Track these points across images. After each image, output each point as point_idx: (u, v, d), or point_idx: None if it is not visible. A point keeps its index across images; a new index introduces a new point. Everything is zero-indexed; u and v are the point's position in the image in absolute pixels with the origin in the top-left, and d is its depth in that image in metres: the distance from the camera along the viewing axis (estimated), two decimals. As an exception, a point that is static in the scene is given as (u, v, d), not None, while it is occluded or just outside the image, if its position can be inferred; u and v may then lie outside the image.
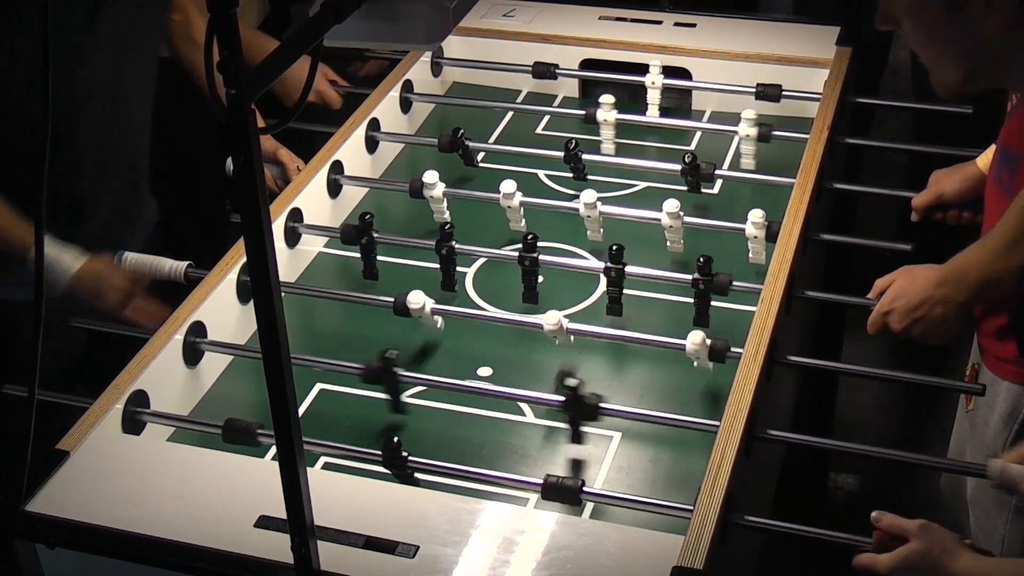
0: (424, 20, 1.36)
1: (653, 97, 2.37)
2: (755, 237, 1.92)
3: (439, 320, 1.82)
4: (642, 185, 2.24)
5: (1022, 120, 1.73)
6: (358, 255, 1.98)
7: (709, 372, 1.73)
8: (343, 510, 1.43)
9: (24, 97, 1.82)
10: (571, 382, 1.60)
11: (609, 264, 1.86)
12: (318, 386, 1.79)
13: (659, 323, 1.85)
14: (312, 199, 2.07)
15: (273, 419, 1.19)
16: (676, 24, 2.58)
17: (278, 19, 2.73)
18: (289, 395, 1.18)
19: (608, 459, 1.65)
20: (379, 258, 2.01)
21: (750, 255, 1.95)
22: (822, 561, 1.93)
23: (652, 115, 2.37)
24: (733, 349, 1.69)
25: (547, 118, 2.47)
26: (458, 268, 2.01)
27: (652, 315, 1.90)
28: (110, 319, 1.87)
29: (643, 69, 2.39)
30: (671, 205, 1.94)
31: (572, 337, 1.78)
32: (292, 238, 2.02)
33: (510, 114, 2.46)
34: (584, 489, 1.49)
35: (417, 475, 1.56)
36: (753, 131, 2.18)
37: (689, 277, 1.82)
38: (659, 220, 1.96)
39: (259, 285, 1.13)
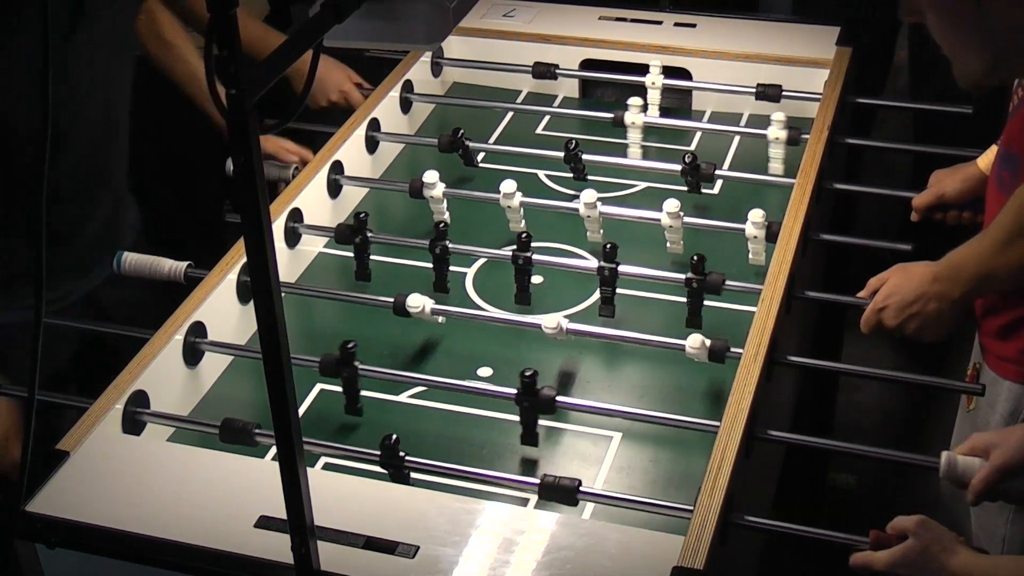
0: (424, 20, 1.37)
1: (653, 97, 2.37)
2: (755, 237, 1.92)
3: (440, 317, 1.82)
4: (642, 185, 2.24)
5: (1023, 121, 1.73)
6: (358, 255, 1.98)
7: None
8: (343, 510, 1.43)
9: (13, 106, 1.82)
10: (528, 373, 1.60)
11: (603, 263, 1.86)
12: (318, 386, 1.79)
13: (659, 323, 1.85)
14: (312, 199, 2.07)
15: (273, 419, 1.19)
16: (676, 24, 2.58)
17: (278, 19, 2.73)
18: (289, 395, 1.18)
19: (608, 459, 1.65)
20: (377, 258, 2.02)
21: (750, 256, 1.95)
22: (822, 561, 1.93)
23: (652, 115, 2.37)
24: (733, 349, 1.69)
25: (547, 118, 2.47)
26: (458, 268, 2.01)
27: (652, 315, 1.90)
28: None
29: (643, 69, 2.39)
30: (671, 205, 1.94)
31: (572, 337, 1.78)
32: (292, 238, 2.02)
33: (510, 114, 2.46)
34: (582, 489, 1.48)
35: (417, 475, 1.55)
36: (783, 134, 2.18)
37: (683, 276, 1.82)
38: (659, 220, 1.96)
39: (259, 285, 1.13)
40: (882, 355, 3.03)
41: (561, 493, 1.49)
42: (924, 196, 2.05)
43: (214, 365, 1.81)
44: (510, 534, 1.41)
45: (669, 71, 2.40)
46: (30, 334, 1.21)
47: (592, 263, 1.89)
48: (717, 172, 2.14)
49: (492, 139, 2.39)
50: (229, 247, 1.90)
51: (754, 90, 2.35)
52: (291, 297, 1.91)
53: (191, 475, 1.51)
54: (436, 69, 2.55)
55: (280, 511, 1.25)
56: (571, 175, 2.19)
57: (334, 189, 2.14)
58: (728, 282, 1.83)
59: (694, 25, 2.57)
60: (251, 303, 1.27)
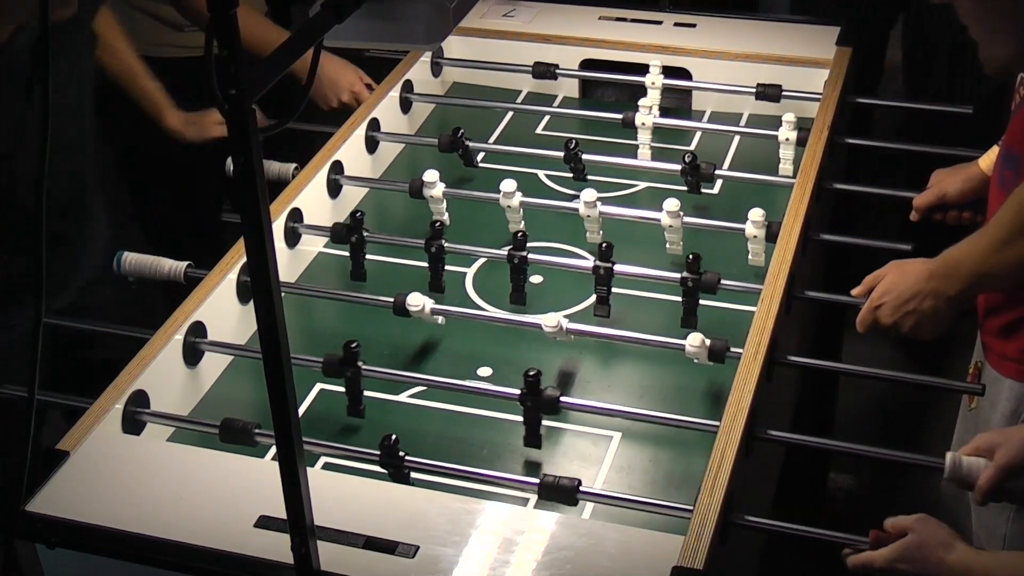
0: (424, 20, 1.37)
1: (653, 97, 2.37)
2: (755, 237, 1.92)
3: (440, 318, 1.82)
4: (642, 185, 2.24)
5: None
6: (358, 255, 1.98)
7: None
8: (343, 510, 1.43)
9: None
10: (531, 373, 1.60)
11: (598, 262, 1.86)
12: (318, 386, 1.79)
13: (659, 323, 1.85)
14: (312, 199, 2.07)
15: (273, 419, 1.19)
16: (676, 24, 2.58)
17: (277, 18, 2.74)
18: (289, 395, 1.18)
19: (608, 459, 1.65)
20: (376, 258, 2.02)
21: (750, 256, 1.95)
22: (822, 561, 1.93)
23: (652, 115, 2.37)
24: (733, 349, 1.69)
25: (547, 118, 2.47)
26: (458, 268, 2.01)
27: (652, 315, 1.89)
28: None
29: (643, 69, 2.39)
30: (671, 204, 1.94)
31: (572, 337, 1.78)
32: (292, 238, 2.02)
33: (510, 114, 2.46)
34: (582, 489, 1.48)
35: (417, 475, 1.55)
36: (793, 135, 2.17)
37: (678, 276, 1.82)
38: (659, 220, 1.96)
39: (259, 285, 1.13)
40: (882, 355, 3.03)
41: (561, 493, 1.49)
42: (925, 196, 2.04)
43: (214, 365, 1.81)
44: (510, 534, 1.41)
45: (669, 71, 2.40)
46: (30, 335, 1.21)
47: (589, 263, 1.89)
48: (717, 172, 2.14)
49: (492, 139, 2.39)
50: (228, 247, 1.90)
51: (754, 90, 2.35)
52: (291, 297, 1.91)
53: (191, 475, 1.51)
54: (436, 69, 2.55)
55: (280, 511, 1.25)
56: (571, 175, 2.19)
57: (334, 189, 2.14)
58: (728, 282, 1.83)
59: (694, 25, 2.57)
60: (251, 303, 1.27)
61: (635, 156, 2.29)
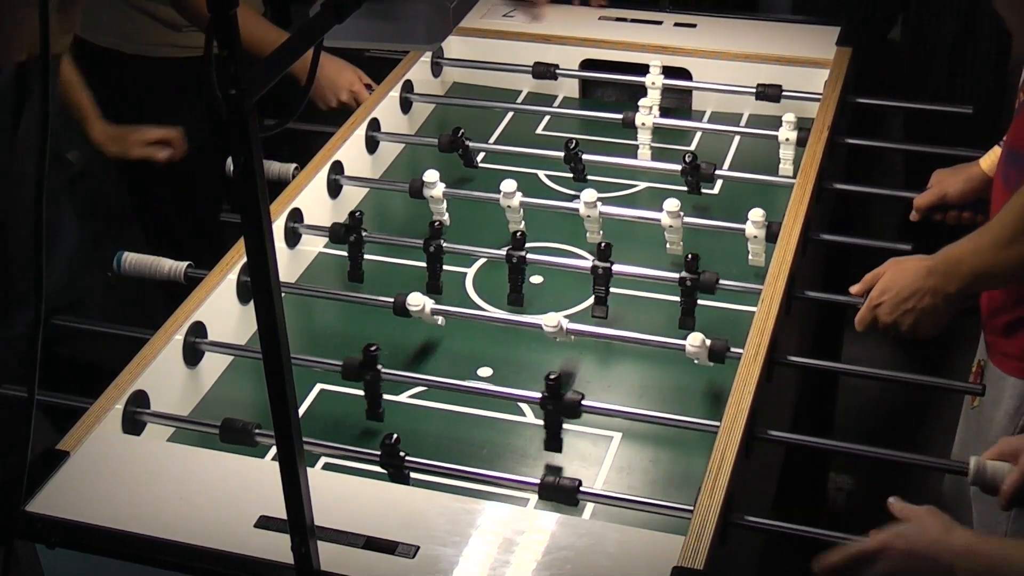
0: (424, 20, 1.37)
1: (653, 97, 2.37)
2: (755, 237, 1.92)
3: (440, 319, 1.82)
4: (642, 185, 2.24)
5: None
6: (358, 255, 1.98)
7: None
8: (343, 510, 1.43)
9: None
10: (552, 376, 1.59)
11: (596, 262, 1.86)
12: (318, 386, 1.79)
13: (658, 323, 1.85)
14: (312, 199, 2.07)
15: (273, 419, 1.19)
16: (676, 24, 2.58)
17: (277, 18, 2.74)
18: (289, 395, 1.18)
19: (608, 459, 1.65)
20: (375, 258, 2.02)
21: (750, 256, 1.95)
22: (822, 561, 1.93)
23: (652, 115, 2.37)
24: (733, 349, 1.69)
25: (547, 118, 2.47)
26: (458, 268, 2.01)
27: (651, 315, 1.89)
28: None
29: (643, 69, 2.39)
30: (671, 204, 1.94)
31: (572, 337, 1.78)
32: (292, 238, 2.02)
33: (510, 114, 2.46)
34: (581, 489, 1.48)
35: (417, 475, 1.55)
36: (793, 135, 2.17)
37: (677, 276, 1.82)
38: (659, 220, 1.96)
39: (259, 285, 1.13)
40: (882, 355, 3.03)
41: (561, 493, 1.49)
42: (926, 196, 2.04)
43: (214, 365, 1.81)
44: (510, 534, 1.41)
45: (669, 71, 2.40)
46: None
47: (588, 263, 1.89)
48: (717, 172, 2.14)
49: (492, 139, 2.39)
50: (227, 247, 1.90)
51: (754, 90, 2.35)
52: (291, 297, 1.92)
53: (191, 475, 1.51)
54: (436, 69, 2.55)
55: (280, 511, 1.25)
56: (571, 175, 2.19)
57: (334, 189, 2.14)
58: (728, 282, 1.83)
59: (694, 25, 2.57)
60: (251, 303, 1.27)
61: (635, 156, 2.29)
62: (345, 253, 1.99)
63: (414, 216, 2.12)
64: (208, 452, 1.57)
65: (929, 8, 2.98)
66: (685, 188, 2.13)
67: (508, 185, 2.02)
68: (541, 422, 1.70)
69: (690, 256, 1.82)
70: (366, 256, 2.00)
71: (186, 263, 1.89)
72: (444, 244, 1.93)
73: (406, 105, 2.42)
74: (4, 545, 1.38)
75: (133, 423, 1.64)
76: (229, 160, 1.90)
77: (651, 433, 1.67)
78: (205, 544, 1.39)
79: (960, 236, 1.77)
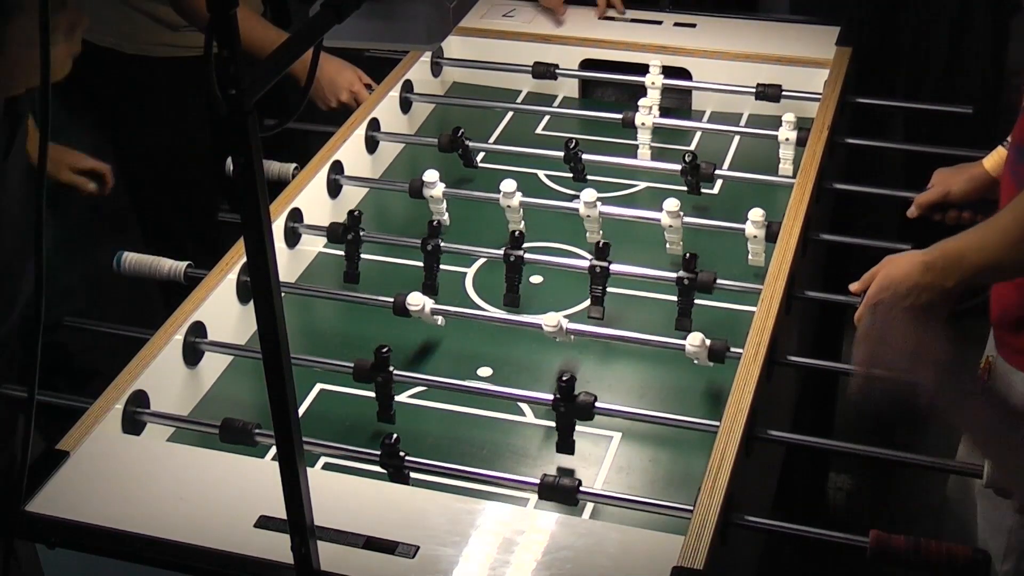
0: (424, 20, 1.37)
1: (653, 97, 2.37)
2: (755, 237, 1.92)
3: (440, 319, 1.82)
4: (642, 185, 2.24)
5: None
6: (358, 255, 1.98)
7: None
8: (343, 510, 1.43)
9: None
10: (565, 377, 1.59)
11: (594, 261, 1.86)
12: (318, 386, 1.79)
13: (658, 323, 1.85)
14: (312, 199, 2.07)
15: (273, 419, 1.19)
16: (676, 24, 2.58)
17: (277, 18, 2.74)
18: (289, 395, 1.18)
19: (608, 459, 1.65)
20: (375, 257, 2.02)
21: (750, 256, 1.95)
22: (822, 561, 1.93)
23: (652, 115, 2.37)
24: (733, 349, 1.69)
25: (547, 118, 2.47)
26: (458, 268, 2.01)
27: (652, 315, 1.89)
28: None
29: (643, 69, 2.39)
30: (671, 204, 1.94)
31: (572, 337, 1.78)
32: (292, 238, 2.02)
33: (510, 114, 2.46)
34: (581, 489, 1.48)
35: (417, 475, 1.55)
36: (793, 135, 2.17)
37: (674, 275, 1.82)
38: (659, 220, 1.96)
39: (259, 285, 1.13)
40: (882, 355, 3.03)
41: (561, 493, 1.49)
42: (929, 194, 2.04)
43: (214, 365, 1.81)
44: (510, 534, 1.41)
45: (669, 71, 2.40)
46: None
47: (586, 262, 1.89)
48: (717, 172, 2.14)
49: (492, 139, 2.39)
50: (227, 247, 1.90)
51: (754, 90, 2.35)
52: (291, 297, 1.92)
53: (191, 475, 1.51)
54: (436, 69, 2.55)
55: (280, 511, 1.25)
56: (571, 175, 2.19)
57: (334, 189, 2.14)
58: (727, 282, 1.83)
59: (694, 25, 2.57)
60: (251, 303, 1.27)
61: (635, 156, 2.29)
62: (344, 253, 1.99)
63: (414, 216, 2.12)
64: (208, 452, 1.57)
65: (929, 7, 2.98)
66: (685, 188, 2.13)
67: (508, 185, 2.02)
68: (541, 422, 1.71)
69: (688, 255, 1.82)
70: (366, 256, 2.00)
71: (186, 263, 1.89)
72: (443, 244, 1.93)
73: (406, 105, 2.42)
74: (4, 545, 1.38)
75: (133, 423, 1.64)
76: (229, 160, 1.90)
77: (651, 433, 1.67)
78: (205, 544, 1.39)
79: None
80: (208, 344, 1.78)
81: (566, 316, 1.78)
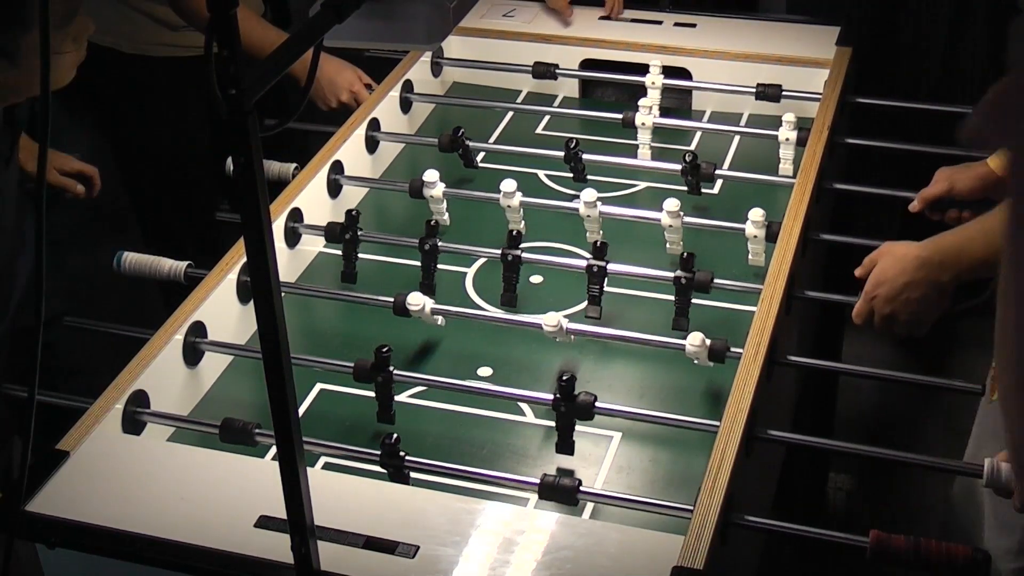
0: (424, 20, 1.37)
1: (653, 97, 2.37)
2: (755, 237, 1.92)
3: (440, 319, 1.82)
4: (642, 185, 2.24)
5: None
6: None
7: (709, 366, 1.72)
8: (343, 510, 1.43)
9: None
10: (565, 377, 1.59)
11: (592, 260, 1.86)
12: (318, 386, 1.79)
13: (659, 323, 1.85)
14: (312, 199, 2.07)
15: (273, 419, 1.19)
16: (676, 24, 2.58)
17: (277, 18, 2.74)
18: (289, 395, 1.18)
19: (608, 459, 1.65)
20: (374, 257, 2.02)
21: (750, 256, 1.95)
22: (822, 561, 1.93)
23: (652, 115, 2.37)
24: (733, 349, 1.69)
25: (547, 118, 2.47)
26: (458, 268, 2.01)
27: (652, 315, 1.89)
28: None
29: (643, 69, 2.39)
30: (671, 204, 1.94)
31: (572, 337, 1.78)
32: (292, 238, 2.02)
33: (510, 114, 2.46)
34: (582, 489, 1.48)
35: (417, 475, 1.55)
36: (793, 135, 2.17)
37: (671, 275, 1.82)
38: (659, 220, 1.96)
39: (259, 285, 1.13)
40: (882, 354, 3.03)
41: (561, 493, 1.49)
42: (933, 188, 2.03)
43: (214, 365, 1.81)
44: (510, 534, 1.41)
45: (669, 71, 2.40)
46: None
47: (583, 262, 1.89)
48: (717, 172, 2.14)
49: (492, 139, 2.39)
50: (227, 247, 1.90)
51: (754, 90, 2.35)
52: (291, 297, 1.92)
53: (191, 475, 1.51)
54: (436, 69, 2.55)
55: (280, 511, 1.25)
56: (571, 175, 2.19)
57: (334, 189, 2.14)
58: (727, 282, 1.83)
59: (694, 25, 2.57)
60: (251, 303, 1.27)
61: (635, 156, 2.29)
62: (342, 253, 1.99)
63: (414, 216, 2.12)
64: (208, 452, 1.57)
65: (928, 7, 2.98)
66: (685, 188, 2.13)
67: (508, 185, 2.02)
68: (541, 422, 1.71)
69: (685, 255, 1.82)
70: (366, 256, 2.00)
71: (186, 263, 1.89)
72: (441, 243, 1.93)
73: (406, 105, 2.42)
74: (4, 545, 1.38)
75: (133, 423, 1.64)
76: (229, 160, 1.90)
77: (651, 433, 1.67)
78: (205, 544, 1.39)
79: None
80: (208, 344, 1.78)
81: (566, 316, 1.78)
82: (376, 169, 2.30)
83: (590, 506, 1.55)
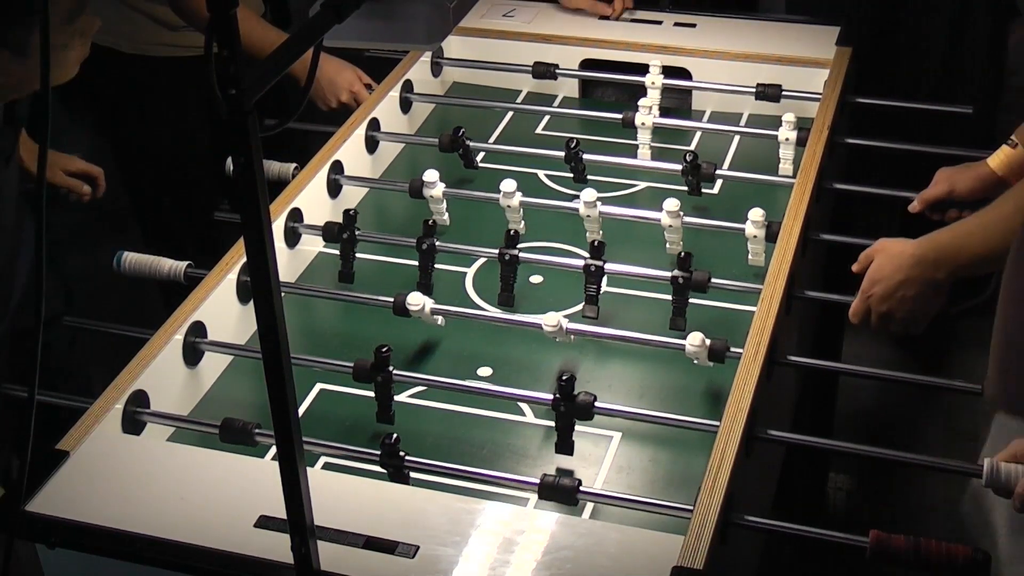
0: (424, 20, 1.37)
1: (653, 97, 2.37)
2: (755, 237, 1.92)
3: (440, 319, 1.82)
4: (642, 185, 2.24)
5: None
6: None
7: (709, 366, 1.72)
8: (343, 510, 1.43)
9: None
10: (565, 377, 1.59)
11: (589, 260, 1.86)
12: (318, 386, 1.79)
13: (659, 323, 1.85)
14: (312, 199, 2.07)
15: (273, 419, 1.19)
16: (676, 24, 2.58)
17: (276, 17, 2.74)
18: (289, 395, 1.18)
19: (608, 459, 1.65)
20: (374, 257, 2.02)
21: (750, 256, 1.95)
22: (822, 561, 1.93)
23: (652, 115, 2.37)
24: (733, 349, 1.69)
25: (547, 118, 2.47)
26: (458, 268, 2.01)
27: (651, 315, 1.89)
28: None
29: (643, 69, 2.39)
30: (671, 204, 1.94)
31: (572, 337, 1.78)
32: (292, 238, 2.02)
33: (510, 114, 2.46)
34: (581, 489, 1.48)
35: (417, 475, 1.55)
36: (793, 135, 2.17)
37: (669, 274, 1.82)
38: (659, 220, 1.96)
39: (259, 285, 1.13)
40: (882, 355, 3.03)
41: (561, 493, 1.49)
42: (933, 190, 2.04)
43: (214, 365, 1.81)
44: (510, 534, 1.41)
45: (669, 71, 2.40)
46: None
47: (581, 262, 1.89)
48: (717, 172, 2.14)
49: (492, 139, 2.39)
50: (227, 247, 1.90)
51: (754, 90, 2.35)
52: (291, 297, 1.92)
53: (191, 475, 1.51)
54: (436, 69, 2.55)
55: (280, 511, 1.25)
56: (571, 175, 2.19)
57: (334, 189, 2.14)
58: (727, 281, 1.83)
59: (694, 25, 2.57)
60: (251, 303, 1.27)
61: (635, 156, 2.29)
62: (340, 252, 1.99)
63: (414, 216, 2.12)
64: (208, 452, 1.57)
65: (927, 7, 2.98)
66: (685, 188, 2.13)
67: (508, 185, 2.02)
68: (541, 422, 1.71)
69: (682, 254, 1.82)
70: (365, 256, 2.00)
71: (186, 263, 1.89)
72: (440, 244, 1.93)
73: (406, 105, 2.42)
74: (4, 545, 1.38)
75: (133, 423, 1.64)
76: (229, 160, 1.90)
77: (651, 433, 1.67)
78: (205, 544, 1.39)
79: None
80: (208, 344, 1.78)
81: (566, 316, 1.78)
82: (376, 169, 2.30)
83: (590, 506, 1.55)
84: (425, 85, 2.49)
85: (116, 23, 2.53)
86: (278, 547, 1.33)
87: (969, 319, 1.89)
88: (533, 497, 1.54)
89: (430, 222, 1.94)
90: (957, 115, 2.33)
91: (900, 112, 2.41)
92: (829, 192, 2.14)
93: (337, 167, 2.15)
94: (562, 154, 2.17)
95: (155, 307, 2.37)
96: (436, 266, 1.95)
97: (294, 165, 2.15)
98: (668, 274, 1.83)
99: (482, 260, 2.03)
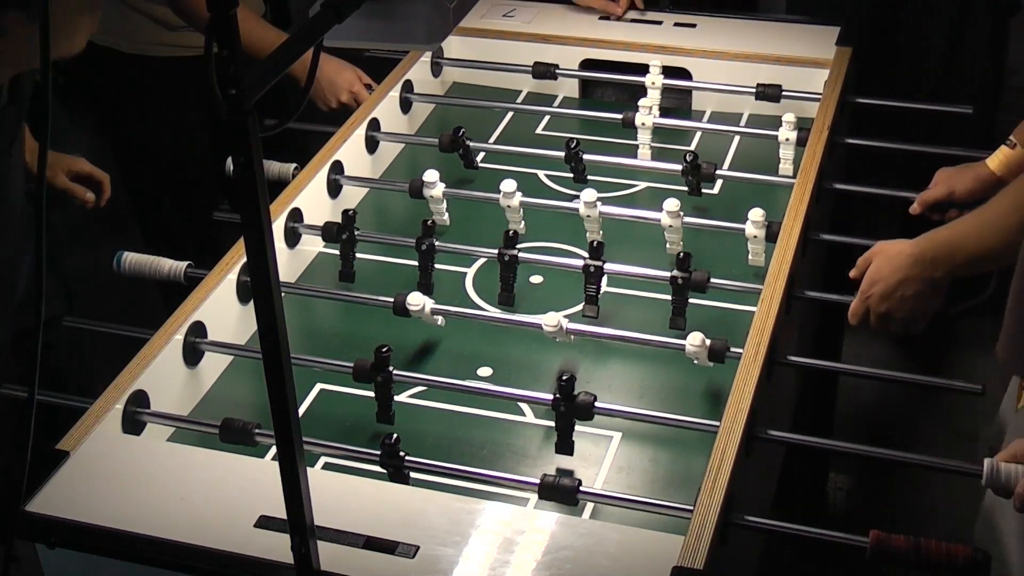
0: (424, 20, 1.37)
1: (653, 97, 2.37)
2: (755, 237, 1.92)
3: (440, 319, 1.82)
4: (642, 185, 2.24)
5: None
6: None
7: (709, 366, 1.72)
8: (343, 510, 1.43)
9: None
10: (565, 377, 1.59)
11: (588, 260, 1.86)
12: (318, 386, 1.79)
13: (659, 323, 1.85)
14: (312, 199, 2.07)
15: (273, 419, 1.19)
16: (676, 24, 2.58)
17: (276, 17, 2.74)
18: (289, 395, 1.18)
19: (608, 459, 1.65)
20: (373, 257, 2.02)
21: (750, 256, 1.96)
22: (822, 561, 1.93)
23: (652, 115, 2.37)
24: (733, 349, 1.69)
25: (547, 118, 2.47)
26: (458, 268, 2.01)
27: (651, 315, 1.89)
28: None
29: (643, 69, 2.39)
30: (671, 204, 1.94)
31: (572, 337, 1.78)
32: (292, 238, 2.02)
33: (510, 114, 2.46)
34: (582, 489, 1.48)
35: (417, 475, 1.55)
36: (793, 135, 2.17)
37: (669, 274, 1.82)
38: (659, 220, 1.96)
39: (259, 285, 1.13)
40: (882, 354, 3.03)
41: (561, 493, 1.49)
42: (933, 191, 2.04)
43: (214, 365, 1.81)
44: (510, 534, 1.41)
45: (669, 71, 2.40)
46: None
47: (580, 262, 1.89)
48: (717, 172, 2.14)
49: (492, 139, 2.39)
50: (225, 247, 1.90)
51: (754, 90, 2.35)
52: (291, 297, 1.92)
53: (191, 475, 1.51)
54: (436, 69, 2.55)
55: (280, 511, 1.25)
56: (571, 175, 2.19)
57: (334, 189, 2.14)
58: (726, 281, 1.84)
59: (694, 25, 2.57)
60: (251, 303, 1.27)
61: (635, 156, 2.29)
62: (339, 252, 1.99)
63: (414, 216, 2.12)
64: (208, 452, 1.57)
65: (927, 7, 2.98)
66: (685, 188, 2.13)
67: (508, 185, 2.02)
68: (541, 422, 1.71)
69: (681, 254, 1.82)
70: (365, 256, 2.00)
71: (186, 263, 1.89)
72: (440, 244, 1.93)
73: (406, 105, 2.42)
74: (4, 545, 1.38)
75: (133, 423, 1.64)
76: (229, 160, 1.90)
77: (651, 433, 1.67)
78: (205, 544, 1.39)
79: None
80: (208, 344, 1.78)
81: (566, 316, 1.78)
82: (376, 169, 2.30)
83: (590, 506, 1.55)
84: (425, 85, 2.49)
85: (116, 23, 2.53)
86: (278, 547, 1.33)
87: (969, 319, 1.89)
88: (533, 497, 1.54)
89: (430, 222, 1.94)
90: (957, 115, 2.33)
91: (900, 112, 2.41)
92: (829, 192, 2.14)
93: (337, 167, 2.15)
94: (562, 154, 2.17)
95: (155, 307, 2.36)
96: (436, 266, 1.95)
97: (294, 165, 2.15)
98: (668, 274, 1.83)
99: (482, 260, 2.03)
